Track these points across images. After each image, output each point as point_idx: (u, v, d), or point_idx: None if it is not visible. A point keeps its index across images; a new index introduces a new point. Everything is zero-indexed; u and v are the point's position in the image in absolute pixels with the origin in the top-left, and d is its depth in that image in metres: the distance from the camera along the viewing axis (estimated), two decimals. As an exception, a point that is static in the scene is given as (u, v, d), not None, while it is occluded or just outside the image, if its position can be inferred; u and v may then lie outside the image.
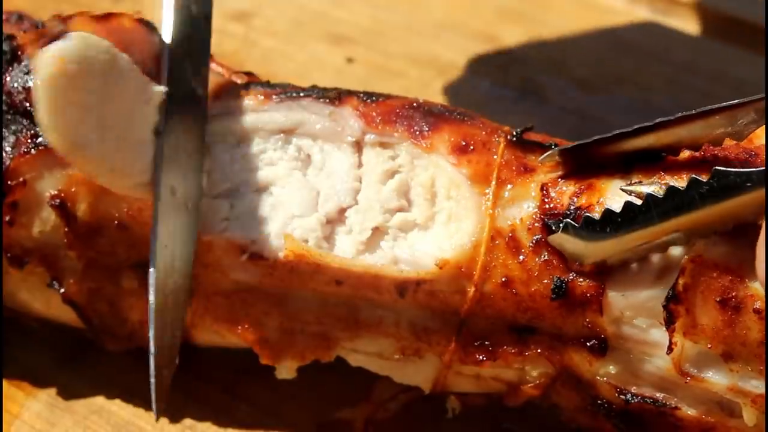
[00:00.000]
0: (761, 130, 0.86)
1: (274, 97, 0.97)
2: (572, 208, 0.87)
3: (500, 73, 1.36)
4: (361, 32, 1.42)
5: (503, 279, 0.89)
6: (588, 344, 0.88)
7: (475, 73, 1.36)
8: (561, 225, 0.86)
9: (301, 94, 0.96)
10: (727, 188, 0.78)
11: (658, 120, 0.85)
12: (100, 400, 1.01)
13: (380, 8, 1.46)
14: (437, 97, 1.30)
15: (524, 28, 1.43)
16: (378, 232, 0.92)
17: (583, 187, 0.88)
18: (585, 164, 0.89)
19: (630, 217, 0.82)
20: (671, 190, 0.80)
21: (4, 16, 1.01)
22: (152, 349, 0.89)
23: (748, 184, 0.77)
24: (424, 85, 1.33)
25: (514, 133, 0.93)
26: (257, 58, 1.38)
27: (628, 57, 1.38)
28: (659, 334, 0.85)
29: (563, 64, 1.37)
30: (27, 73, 0.95)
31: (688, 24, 1.43)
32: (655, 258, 0.84)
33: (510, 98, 1.33)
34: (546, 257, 0.88)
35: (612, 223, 0.83)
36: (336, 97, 0.96)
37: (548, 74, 1.36)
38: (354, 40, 1.41)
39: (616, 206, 0.83)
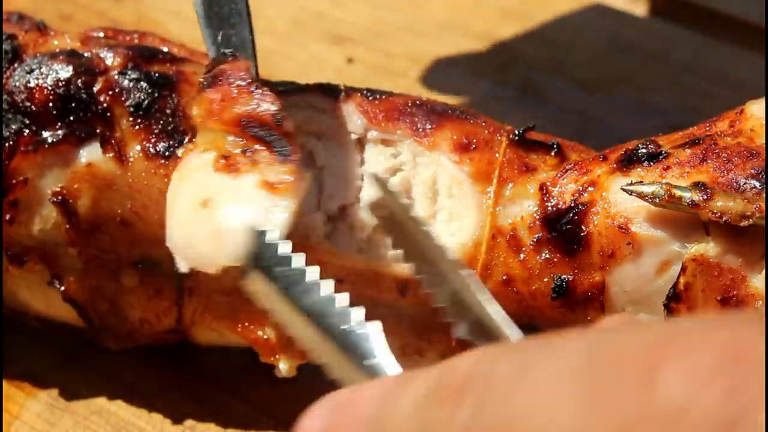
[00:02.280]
0: (761, 130, 0.86)
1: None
2: (573, 206, 0.87)
3: (500, 73, 1.36)
4: (361, 32, 1.42)
5: (504, 277, 0.89)
6: (589, 343, 0.88)
7: (475, 73, 1.36)
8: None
9: (306, 90, 0.96)
10: None
11: None
12: (100, 400, 1.01)
13: (380, 8, 1.45)
14: (437, 98, 1.29)
15: (524, 28, 1.42)
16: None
17: (584, 185, 0.88)
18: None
19: None
20: None
21: (4, 16, 1.01)
22: None
23: None
24: (424, 85, 1.33)
25: (516, 132, 0.93)
26: (257, 57, 1.37)
27: (628, 57, 1.38)
28: (660, 333, 0.85)
29: (563, 64, 1.37)
30: (29, 73, 0.95)
31: (689, 24, 1.43)
32: (657, 255, 0.84)
33: (510, 98, 1.33)
34: (547, 255, 0.88)
35: None
36: (340, 93, 0.96)
37: (548, 74, 1.36)
38: (354, 40, 1.41)
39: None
